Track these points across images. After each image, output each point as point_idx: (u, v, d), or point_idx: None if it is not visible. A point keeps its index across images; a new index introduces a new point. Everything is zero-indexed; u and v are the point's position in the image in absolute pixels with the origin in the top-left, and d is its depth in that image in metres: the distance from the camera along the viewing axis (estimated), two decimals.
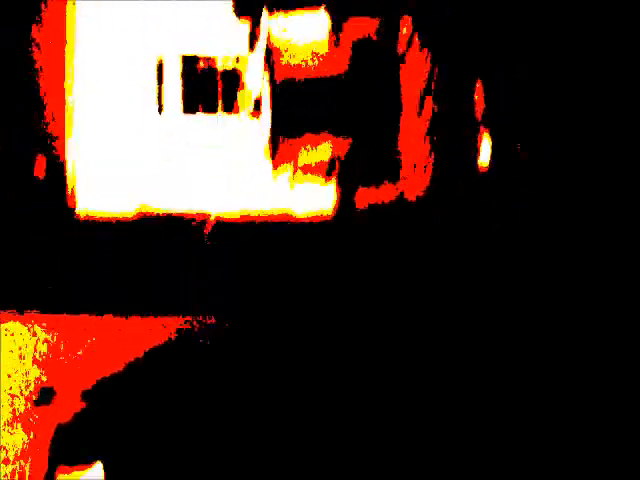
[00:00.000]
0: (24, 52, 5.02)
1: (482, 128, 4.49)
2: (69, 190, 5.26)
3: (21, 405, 4.02)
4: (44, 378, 4.05)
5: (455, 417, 3.83)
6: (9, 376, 4.03)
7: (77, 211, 5.07)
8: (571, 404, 3.53)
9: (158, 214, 4.63)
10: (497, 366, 3.95)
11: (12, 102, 5.06)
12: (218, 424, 3.93)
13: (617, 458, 3.39)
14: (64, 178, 5.29)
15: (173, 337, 4.05)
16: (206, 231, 4.49)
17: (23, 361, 4.06)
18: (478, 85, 4.62)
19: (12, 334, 4.10)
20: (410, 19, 4.50)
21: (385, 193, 4.85)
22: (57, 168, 5.31)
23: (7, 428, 4.00)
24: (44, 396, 4.01)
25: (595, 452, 3.45)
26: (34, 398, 4.01)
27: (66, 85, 5.25)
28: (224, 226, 4.59)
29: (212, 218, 4.58)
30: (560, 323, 3.80)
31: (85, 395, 4.02)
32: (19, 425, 4.01)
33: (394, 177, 4.92)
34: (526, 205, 4.08)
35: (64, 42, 5.08)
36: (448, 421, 3.83)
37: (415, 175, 4.86)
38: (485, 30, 4.17)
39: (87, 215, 5.00)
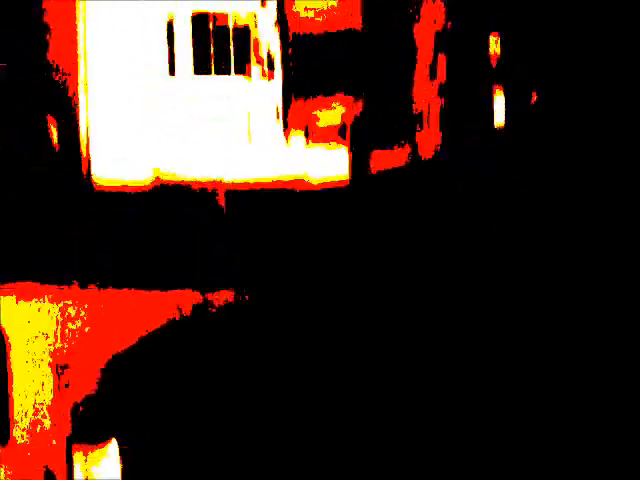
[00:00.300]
0: (37, 16, 4.97)
1: (497, 84, 4.38)
2: (84, 158, 5.25)
3: (36, 381, 4.06)
4: (60, 352, 4.08)
5: (454, 406, 3.83)
6: (25, 353, 4.08)
7: (92, 178, 5.06)
8: (570, 402, 3.51)
9: (172, 181, 4.61)
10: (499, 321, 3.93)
11: (24, 69, 5.02)
12: (232, 401, 3.96)
13: (617, 458, 3.37)
14: (78, 146, 5.27)
15: (188, 310, 4.06)
16: (220, 198, 4.46)
17: (38, 334, 4.10)
18: (493, 39, 4.49)
19: (26, 307, 4.13)
20: None
21: (399, 152, 4.77)
22: (71, 136, 5.29)
23: (22, 404, 4.06)
24: (61, 371, 4.05)
25: (595, 452, 3.43)
26: (52, 372, 4.05)
27: (78, 50, 5.19)
28: (237, 193, 4.55)
29: (225, 184, 4.55)
30: (561, 300, 3.75)
31: (101, 371, 4.05)
32: (34, 401, 4.06)
33: (408, 136, 4.84)
34: (540, 167, 4.00)
35: (75, 3, 5.01)
36: (448, 410, 3.83)
37: (429, 132, 4.77)
38: None
39: (102, 182, 4.99)
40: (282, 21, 5.33)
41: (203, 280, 4.07)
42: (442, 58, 4.85)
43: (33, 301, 4.15)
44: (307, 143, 5.16)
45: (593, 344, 3.51)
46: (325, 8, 4.98)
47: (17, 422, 4.06)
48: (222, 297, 4.05)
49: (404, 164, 4.72)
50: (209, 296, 4.04)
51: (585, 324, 3.63)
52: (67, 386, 4.09)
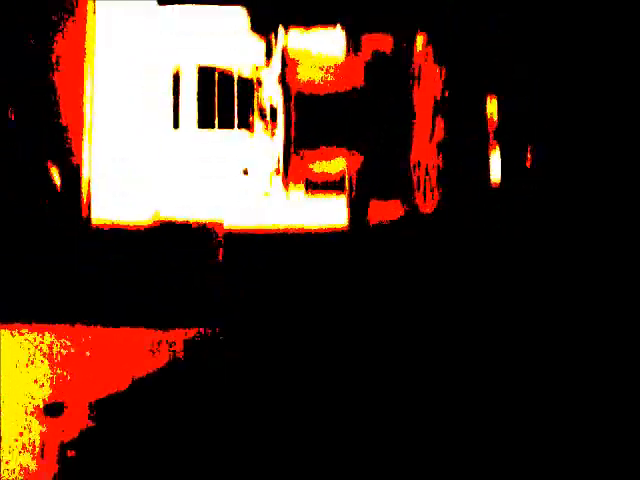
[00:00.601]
0: (43, 62, 5.10)
1: (493, 143, 4.52)
2: (84, 199, 5.32)
3: (28, 419, 4.03)
4: (53, 391, 4.06)
5: (458, 418, 3.83)
6: (15, 389, 4.05)
7: (92, 220, 5.12)
8: (574, 407, 3.53)
9: (171, 225, 4.67)
10: (501, 375, 3.95)
11: (30, 112, 5.13)
12: (227, 439, 3.94)
13: (617, 458, 3.38)
14: (79, 188, 5.35)
15: (184, 349, 4.07)
16: (218, 244, 4.52)
17: (32, 373, 4.08)
18: (490, 100, 4.66)
19: (22, 345, 4.12)
20: (425, 35, 4.55)
21: (398, 208, 4.88)
22: (73, 178, 5.37)
23: (13, 444, 4.01)
24: (52, 410, 4.02)
25: (595, 452, 3.43)
26: (43, 412, 4.02)
27: (84, 95, 5.32)
28: (236, 239, 4.62)
29: (225, 229, 4.62)
30: (568, 337, 3.80)
31: (93, 412, 4.03)
32: (25, 440, 4.01)
33: (407, 192, 4.95)
34: (537, 219, 4.10)
35: (83, 52, 5.16)
36: (452, 423, 3.83)
37: (427, 188, 4.89)
38: (498, 46, 4.21)
39: (101, 224, 5.04)
40: (285, 78, 5.51)
41: (199, 320, 4.10)
42: (440, 120, 5.01)
43: (26, 338, 4.15)
44: (306, 194, 5.27)
45: (600, 360, 3.54)
46: (328, 67, 5.16)
47: (5, 461, 4.01)
48: (217, 337, 4.07)
49: (402, 217, 4.81)
50: (204, 335, 4.06)
51: (592, 339, 3.67)
52: (56, 426, 4.05)
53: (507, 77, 4.36)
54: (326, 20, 3.66)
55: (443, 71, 4.73)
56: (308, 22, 3.70)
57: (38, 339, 4.11)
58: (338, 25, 3.67)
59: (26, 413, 4.01)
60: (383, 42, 4.90)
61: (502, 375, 4.02)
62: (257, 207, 5.71)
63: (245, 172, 5.39)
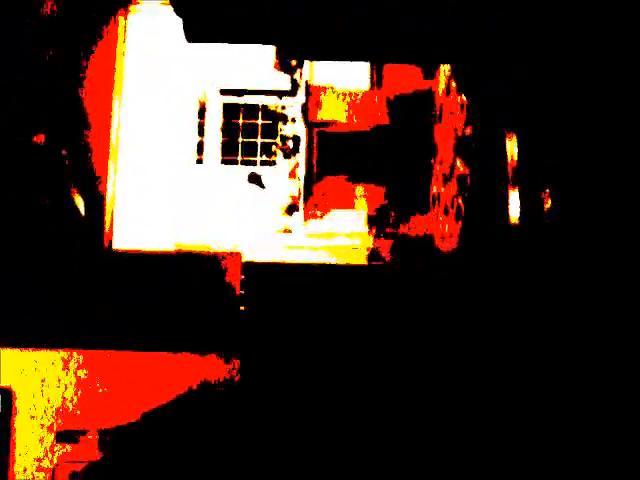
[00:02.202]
0: (73, 89, 5.21)
1: (513, 182, 4.53)
2: (107, 227, 5.39)
3: (42, 446, 4.02)
4: (65, 417, 4.06)
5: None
6: (30, 414, 4.06)
7: (113, 247, 5.18)
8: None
9: (192, 255, 4.71)
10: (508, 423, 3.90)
11: (58, 138, 5.23)
12: (241, 465, 3.91)
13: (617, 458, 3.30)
14: (103, 215, 5.42)
15: (201, 375, 4.07)
16: (237, 274, 4.55)
17: (47, 398, 4.09)
18: (510, 140, 4.68)
19: (38, 370, 4.14)
20: (449, 70, 4.60)
21: (417, 243, 4.88)
22: (97, 205, 5.45)
23: (23, 467, 4.01)
24: (65, 437, 4.02)
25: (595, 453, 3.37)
26: (57, 437, 4.02)
27: (111, 125, 5.42)
28: (255, 269, 4.64)
29: (244, 260, 4.64)
30: (587, 375, 3.75)
31: (105, 439, 4.02)
32: (35, 465, 4.01)
33: (426, 228, 4.96)
34: (555, 259, 4.08)
35: (112, 82, 5.27)
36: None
37: (446, 223, 4.89)
38: (522, 86, 4.25)
39: (122, 253, 5.10)
40: (308, 112, 5.58)
41: (216, 346, 4.10)
42: (460, 158, 5.04)
43: (43, 363, 4.17)
44: (326, 228, 5.30)
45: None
46: (352, 101, 5.23)
47: None
48: (234, 363, 4.06)
49: (421, 254, 4.81)
50: (221, 361, 4.05)
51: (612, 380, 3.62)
52: (68, 452, 4.04)
53: (528, 117, 4.39)
54: (350, 55, 3.72)
55: (465, 107, 4.77)
56: (332, 57, 3.76)
57: (54, 364, 4.13)
58: (362, 59, 3.73)
59: (39, 439, 4.01)
60: (407, 75, 4.96)
61: (518, 422, 3.97)
62: (276, 240, 5.73)
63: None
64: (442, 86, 4.94)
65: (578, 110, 3.96)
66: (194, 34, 3.68)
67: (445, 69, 4.91)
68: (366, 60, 3.66)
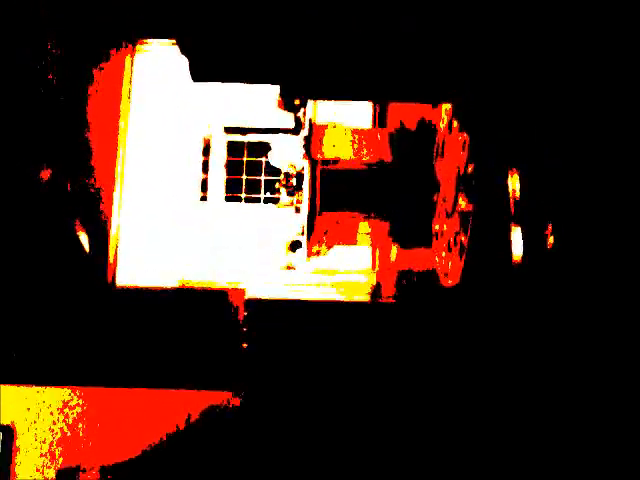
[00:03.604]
0: (77, 125, 5.27)
1: (515, 219, 4.55)
2: (110, 263, 5.40)
3: None
4: (67, 455, 4.04)
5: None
6: (31, 451, 4.03)
7: (117, 284, 5.19)
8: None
9: (195, 291, 4.72)
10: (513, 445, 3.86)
11: (62, 174, 5.28)
12: None
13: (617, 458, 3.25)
14: (106, 251, 5.44)
15: (204, 412, 4.05)
16: (240, 310, 4.55)
17: (47, 435, 4.07)
18: (512, 178, 4.71)
19: (40, 407, 4.13)
20: (450, 107, 4.65)
21: (419, 279, 4.88)
22: (100, 242, 5.47)
23: None
24: (67, 475, 3.99)
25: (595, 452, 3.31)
26: (57, 476, 3.98)
27: (116, 162, 5.48)
28: (258, 306, 4.64)
29: (247, 297, 4.65)
30: (585, 412, 3.72)
31: (111, 474, 3.99)
32: None
33: (429, 264, 4.96)
34: (557, 297, 4.08)
35: (117, 118, 5.34)
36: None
37: (449, 260, 4.90)
38: (523, 122, 4.29)
39: (126, 289, 5.11)
40: (311, 150, 5.64)
41: (220, 383, 4.08)
42: (463, 195, 5.07)
43: (45, 400, 4.16)
44: (329, 264, 5.30)
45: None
46: (354, 139, 5.28)
47: None
48: (237, 400, 4.04)
49: (423, 287, 4.81)
50: (225, 398, 4.03)
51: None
52: None
53: (531, 153, 4.43)
54: (353, 95, 3.77)
55: (466, 145, 4.81)
56: (335, 97, 3.81)
57: (56, 401, 4.11)
58: (364, 99, 3.78)
59: (41, 477, 3.98)
60: (409, 112, 5.02)
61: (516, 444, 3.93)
62: (280, 277, 5.74)
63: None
64: (444, 124, 4.99)
65: (579, 147, 3.99)
66: (199, 74, 3.74)
67: (446, 107, 4.97)
68: (367, 100, 3.71)
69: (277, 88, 6.03)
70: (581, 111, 3.94)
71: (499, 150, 4.70)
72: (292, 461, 3.97)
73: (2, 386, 4.16)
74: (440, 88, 3.50)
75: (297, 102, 5.53)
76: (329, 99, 3.78)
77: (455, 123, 4.77)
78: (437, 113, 5.10)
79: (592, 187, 4.03)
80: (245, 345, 4.35)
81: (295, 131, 5.98)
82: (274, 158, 5.96)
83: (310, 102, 5.49)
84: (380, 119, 5.34)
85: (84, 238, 5.40)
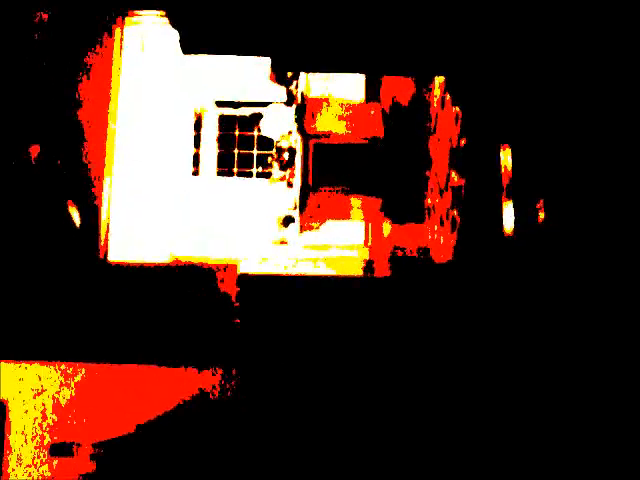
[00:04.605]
0: (67, 101, 5.22)
1: (507, 194, 4.54)
2: (102, 239, 5.38)
3: (37, 457, 4.01)
4: (61, 430, 4.05)
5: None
6: (23, 426, 4.05)
7: (109, 260, 5.17)
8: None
9: (187, 267, 4.71)
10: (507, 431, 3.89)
11: (52, 151, 5.23)
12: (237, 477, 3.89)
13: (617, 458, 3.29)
14: (98, 228, 5.41)
15: (197, 388, 4.06)
16: (233, 286, 4.54)
17: (40, 411, 4.08)
18: (504, 152, 4.70)
19: (32, 382, 4.13)
20: (443, 80, 4.62)
21: (413, 255, 4.88)
22: (92, 218, 5.44)
23: None
24: (59, 451, 4.00)
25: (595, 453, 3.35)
26: (51, 450, 4.00)
27: (107, 137, 5.43)
28: (251, 281, 4.64)
29: (240, 272, 4.64)
30: (575, 387, 3.75)
31: (101, 452, 4.01)
32: (33, 478, 3.99)
33: (422, 239, 4.96)
34: (549, 270, 4.09)
35: (108, 93, 5.28)
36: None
37: (442, 235, 4.90)
38: (516, 96, 4.26)
39: (118, 264, 5.09)
40: (304, 124, 5.60)
41: (212, 359, 4.09)
42: (455, 170, 5.05)
43: (37, 376, 4.16)
44: (321, 240, 5.30)
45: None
46: (347, 113, 5.24)
47: None
48: (230, 376, 4.05)
49: (417, 267, 4.81)
50: (217, 375, 4.04)
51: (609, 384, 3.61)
52: (62, 465, 4.03)
53: (523, 128, 4.41)
54: (345, 66, 3.73)
55: (459, 119, 4.79)
56: (328, 68, 3.77)
57: (49, 376, 4.12)
58: (357, 71, 3.75)
59: (32, 452, 3.99)
60: (402, 86, 4.98)
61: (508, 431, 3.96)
62: (272, 252, 5.73)
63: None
64: (437, 98, 4.96)
65: (571, 121, 3.98)
66: (190, 46, 3.69)
67: (440, 81, 4.93)
68: (359, 71, 3.68)
69: (269, 60, 5.97)
70: (574, 87, 3.92)
71: (491, 124, 4.68)
72: (284, 440, 3.99)
73: None
74: (433, 60, 3.47)
75: (289, 75, 5.48)
76: (321, 71, 3.75)
77: (448, 97, 4.74)
78: (431, 87, 5.07)
79: (583, 162, 4.02)
80: (237, 321, 4.35)
81: (287, 105, 5.94)
82: (266, 127, 5.92)
83: (302, 75, 5.44)
84: (373, 94, 5.29)
85: (75, 214, 5.37)
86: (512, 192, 4.69)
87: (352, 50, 3.60)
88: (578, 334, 3.84)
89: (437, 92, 4.93)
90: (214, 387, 4.07)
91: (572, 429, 3.68)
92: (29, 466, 4.03)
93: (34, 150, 5.07)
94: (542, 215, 4.49)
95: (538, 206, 4.53)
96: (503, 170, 4.73)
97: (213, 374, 4.11)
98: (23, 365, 4.17)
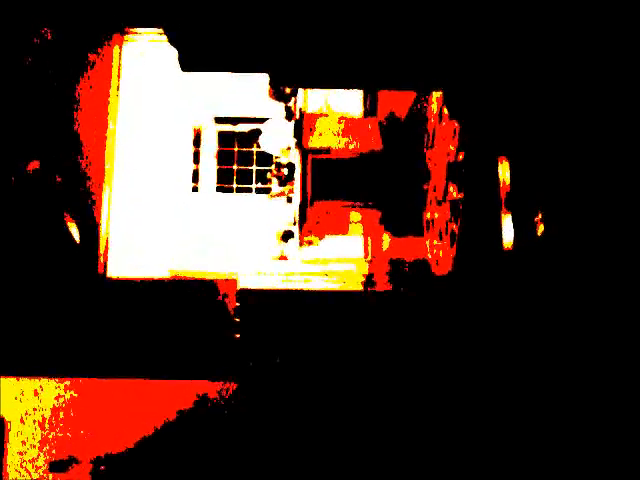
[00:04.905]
0: (67, 116, 5.25)
1: (506, 207, 4.56)
2: (101, 255, 5.39)
3: (36, 473, 3.99)
4: (60, 446, 4.04)
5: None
6: (23, 443, 4.03)
7: (108, 275, 5.17)
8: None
9: (186, 282, 4.71)
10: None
11: (51, 165, 5.25)
12: None
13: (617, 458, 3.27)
14: (97, 243, 5.42)
15: (196, 402, 4.05)
16: (233, 299, 4.54)
17: (39, 426, 4.07)
18: (503, 165, 4.71)
19: (31, 398, 4.12)
20: (440, 94, 4.64)
21: (412, 268, 4.88)
22: (91, 233, 5.45)
23: None
24: (58, 467, 3.99)
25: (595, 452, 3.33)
26: (50, 467, 3.99)
27: (106, 151, 5.45)
28: (250, 296, 4.64)
29: (239, 287, 4.65)
30: (577, 399, 3.74)
31: (103, 465, 3.99)
32: None
33: (421, 252, 4.97)
34: (548, 284, 4.09)
35: (107, 108, 5.31)
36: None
37: (441, 247, 4.91)
38: (513, 110, 4.29)
39: (117, 279, 5.09)
40: (302, 139, 5.62)
41: (211, 373, 4.08)
42: (453, 183, 5.07)
43: (36, 391, 4.15)
44: (320, 252, 5.30)
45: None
46: (345, 128, 5.27)
47: None
48: (229, 390, 4.04)
49: (416, 280, 4.82)
50: (216, 388, 4.03)
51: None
52: (67, 477, 4.01)
53: (521, 141, 4.43)
54: (343, 82, 3.76)
55: (457, 132, 4.81)
56: (326, 85, 3.80)
57: (48, 392, 4.11)
58: (355, 87, 3.77)
59: (32, 468, 3.98)
60: (399, 101, 5.01)
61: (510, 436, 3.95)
62: (272, 267, 5.74)
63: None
64: (434, 112, 4.99)
65: (570, 134, 3.99)
66: (188, 63, 3.72)
67: (437, 95, 4.96)
68: (357, 87, 3.70)
69: (267, 77, 6.00)
70: (572, 99, 3.94)
71: (489, 138, 4.70)
72: (285, 451, 3.97)
73: None
74: (430, 75, 3.49)
75: (288, 91, 5.51)
76: (319, 87, 3.77)
77: (445, 111, 4.77)
78: (428, 101, 5.10)
79: (582, 175, 4.04)
80: (237, 335, 4.35)
81: (286, 119, 5.97)
82: (265, 143, 5.94)
83: (300, 91, 5.48)
84: (371, 108, 5.32)
85: (74, 229, 5.37)
86: (511, 205, 4.71)
87: (350, 66, 3.62)
88: (578, 346, 3.84)
89: (435, 106, 4.96)
90: (213, 399, 4.06)
91: (570, 440, 3.67)
92: None
93: (33, 165, 5.08)
94: (541, 228, 4.50)
95: (537, 219, 4.55)
96: (501, 183, 4.75)
97: (212, 387, 4.10)
98: (22, 381, 4.17)
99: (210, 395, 4.11)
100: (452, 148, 4.94)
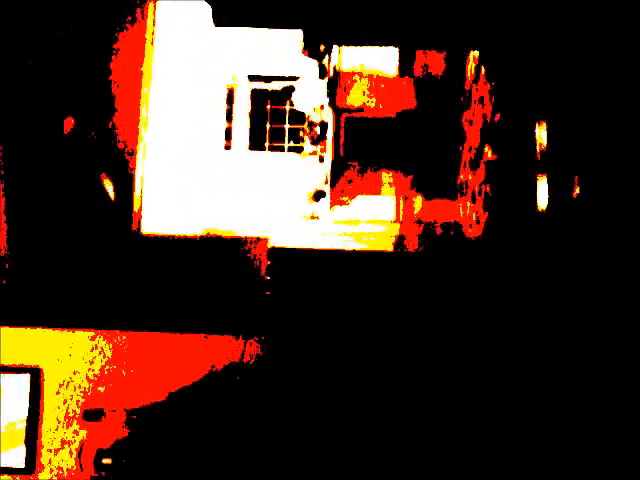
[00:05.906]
0: (100, 74, 5.25)
1: (541, 169, 4.48)
2: (135, 212, 5.43)
3: (71, 422, 4.09)
4: (93, 396, 4.12)
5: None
6: (58, 392, 4.13)
7: (142, 232, 5.23)
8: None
9: (219, 239, 4.74)
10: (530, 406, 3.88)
11: (86, 123, 5.28)
12: (264, 446, 3.94)
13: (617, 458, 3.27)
14: (131, 200, 5.47)
15: (227, 356, 4.10)
16: (263, 258, 4.57)
17: (74, 377, 4.16)
18: (540, 128, 4.63)
19: (66, 350, 4.21)
20: (477, 53, 4.55)
21: (444, 230, 4.85)
22: (125, 190, 5.49)
23: (50, 441, 4.08)
24: (91, 416, 4.07)
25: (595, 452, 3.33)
26: (82, 417, 4.07)
27: (140, 109, 5.46)
28: (281, 255, 4.66)
29: (270, 245, 4.67)
30: (605, 360, 3.71)
31: (132, 418, 4.07)
32: (62, 439, 4.07)
33: (454, 215, 4.93)
34: (581, 247, 4.04)
35: (141, 66, 5.30)
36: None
37: (474, 211, 4.86)
38: (551, 71, 4.19)
39: (151, 235, 5.14)
40: (336, 98, 5.57)
41: (242, 328, 4.13)
42: (489, 145, 5.00)
43: (71, 343, 4.24)
44: (351, 213, 5.29)
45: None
46: (380, 87, 5.20)
47: (43, 457, 4.08)
48: (259, 345, 4.09)
49: (448, 242, 4.78)
50: (246, 343, 4.08)
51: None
52: (95, 430, 4.11)
53: (558, 103, 4.34)
54: (379, 39, 3.70)
55: (494, 94, 4.73)
56: (361, 42, 3.74)
57: (83, 344, 4.19)
58: (391, 44, 3.71)
59: (66, 417, 4.08)
60: (435, 60, 4.92)
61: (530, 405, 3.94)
62: (303, 226, 5.74)
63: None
64: (471, 72, 4.90)
65: (607, 97, 3.90)
66: (222, 19, 3.68)
67: (474, 55, 4.86)
68: (392, 45, 3.64)
69: (301, 33, 5.93)
70: (611, 63, 3.84)
71: (526, 99, 4.61)
72: (308, 407, 4.02)
73: (29, 329, 4.25)
74: (467, 34, 3.42)
75: (322, 48, 5.44)
76: (354, 44, 3.71)
77: (482, 71, 4.68)
78: (465, 61, 5.00)
79: (619, 138, 3.95)
80: (268, 293, 4.38)
81: (320, 77, 5.91)
82: (298, 101, 5.89)
83: (335, 48, 5.41)
84: (406, 67, 5.24)
85: (109, 187, 5.42)
86: (546, 167, 4.63)
87: (385, 23, 3.56)
88: (611, 313, 3.80)
89: (471, 66, 4.86)
90: (243, 355, 4.11)
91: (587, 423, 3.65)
92: (64, 431, 4.12)
93: (68, 122, 5.12)
94: (577, 191, 4.43)
95: (572, 182, 4.47)
96: (538, 146, 4.67)
97: (242, 343, 4.15)
98: (57, 333, 4.25)
99: (240, 350, 4.16)
100: (488, 109, 4.86)
